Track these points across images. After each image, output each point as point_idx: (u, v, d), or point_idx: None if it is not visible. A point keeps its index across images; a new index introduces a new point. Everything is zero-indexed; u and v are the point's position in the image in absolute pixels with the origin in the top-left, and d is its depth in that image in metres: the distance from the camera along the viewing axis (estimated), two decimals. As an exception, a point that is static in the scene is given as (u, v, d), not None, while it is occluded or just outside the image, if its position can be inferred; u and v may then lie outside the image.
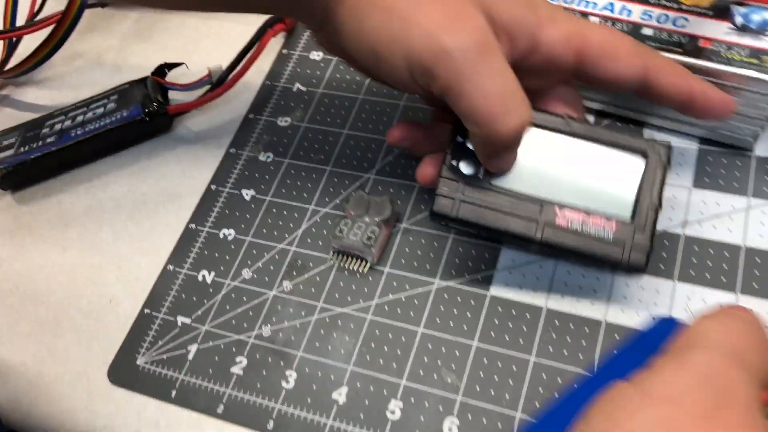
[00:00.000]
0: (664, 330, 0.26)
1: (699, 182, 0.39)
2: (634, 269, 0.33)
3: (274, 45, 0.50)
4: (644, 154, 0.34)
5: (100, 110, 0.46)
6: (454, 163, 0.34)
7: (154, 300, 0.41)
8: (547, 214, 0.33)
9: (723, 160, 0.39)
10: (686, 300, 0.35)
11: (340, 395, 0.36)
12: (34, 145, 0.46)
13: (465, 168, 0.34)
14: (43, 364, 0.40)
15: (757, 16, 0.37)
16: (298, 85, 0.48)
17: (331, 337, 0.38)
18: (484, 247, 0.38)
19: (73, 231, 0.45)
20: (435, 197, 0.34)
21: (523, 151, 0.34)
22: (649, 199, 0.33)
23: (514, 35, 0.32)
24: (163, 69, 0.48)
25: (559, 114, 0.35)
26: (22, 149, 0.46)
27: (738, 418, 0.22)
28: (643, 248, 0.32)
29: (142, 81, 0.47)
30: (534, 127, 0.34)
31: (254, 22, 0.52)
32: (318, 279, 0.40)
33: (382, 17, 0.32)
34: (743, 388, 0.22)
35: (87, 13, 0.50)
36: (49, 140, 0.46)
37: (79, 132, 0.45)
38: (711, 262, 0.36)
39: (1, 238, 0.46)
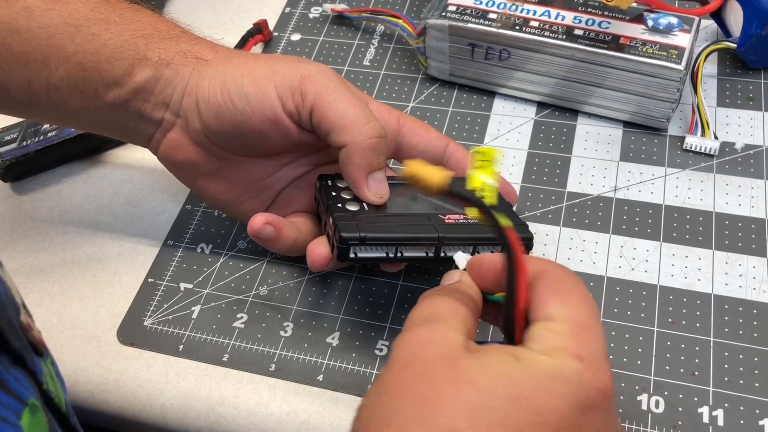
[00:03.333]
0: None
1: (625, 157, 0.47)
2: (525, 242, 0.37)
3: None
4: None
5: (99, 107, 0.51)
6: (339, 205, 0.37)
7: (156, 270, 0.45)
8: (435, 219, 0.37)
9: (643, 139, 0.47)
10: (620, 248, 0.43)
11: (334, 339, 0.41)
12: (36, 139, 0.50)
13: (351, 206, 0.37)
14: (54, 330, 0.43)
15: (664, 20, 0.46)
16: (277, 86, 0.54)
17: (322, 292, 0.43)
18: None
19: (73, 215, 0.49)
20: (337, 228, 0.35)
21: (390, 189, 0.38)
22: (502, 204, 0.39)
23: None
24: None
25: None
26: (24, 143, 0.50)
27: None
28: (524, 226, 0.38)
29: (137, 81, 0.52)
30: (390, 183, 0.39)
31: (231, 35, 0.58)
32: (307, 245, 0.45)
33: (245, 68, 0.38)
34: (442, 341, 0.27)
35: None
36: (50, 134, 0.50)
37: (65, 132, 0.49)
38: (638, 218, 0.44)
39: (2, 224, 0.49)
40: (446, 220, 0.37)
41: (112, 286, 0.45)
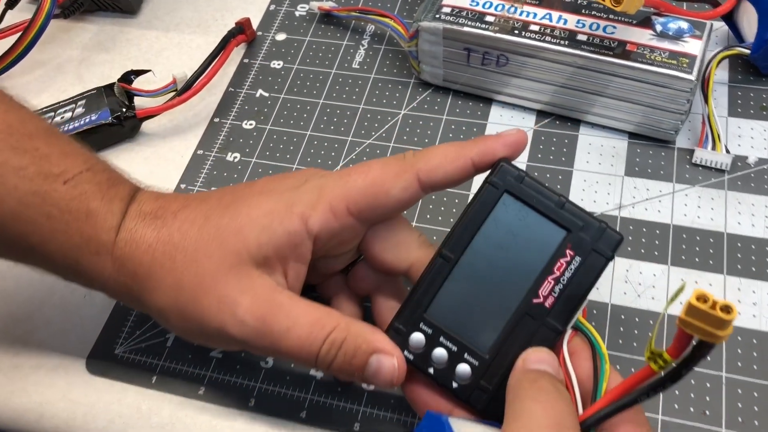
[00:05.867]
0: (431, 426, 0.29)
1: (630, 171, 0.44)
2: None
3: (235, 56, 0.53)
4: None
5: (68, 114, 0.47)
6: (443, 373, 0.32)
7: (129, 293, 0.42)
8: (534, 311, 0.31)
9: (650, 152, 0.44)
10: (625, 272, 0.40)
11: (318, 372, 0.38)
12: (1, 149, 0.46)
13: (457, 368, 0.31)
14: (19, 358, 0.40)
15: (673, 25, 0.43)
16: (260, 91, 0.51)
17: (305, 319, 0.40)
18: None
19: (42, 231, 0.46)
20: (468, 402, 0.31)
21: (458, 306, 0.32)
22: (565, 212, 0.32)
23: (294, 253, 0.32)
24: (129, 76, 0.50)
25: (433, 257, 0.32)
26: (-12, 153, 0.46)
27: None
28: (612, 239, 0.32)
29: (110, 87, 0.49)
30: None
31: (213, 34, 0.55)
32: (290, 267, 0.42)
33: (178, 317, 0.32)
34: None
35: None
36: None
37: (47, 135, 0.46)
38: (644, 239, 0.41)
39: (-34, 240, 0.46)
40: (545, 303, 0.31)
41: (82, 309, 0.42)
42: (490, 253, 0.32)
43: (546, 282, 0.31)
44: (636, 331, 0.38)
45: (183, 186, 0.47)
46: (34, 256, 0.34)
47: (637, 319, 0.38)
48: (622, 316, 0.38)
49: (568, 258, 0.31)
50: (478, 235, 0.32)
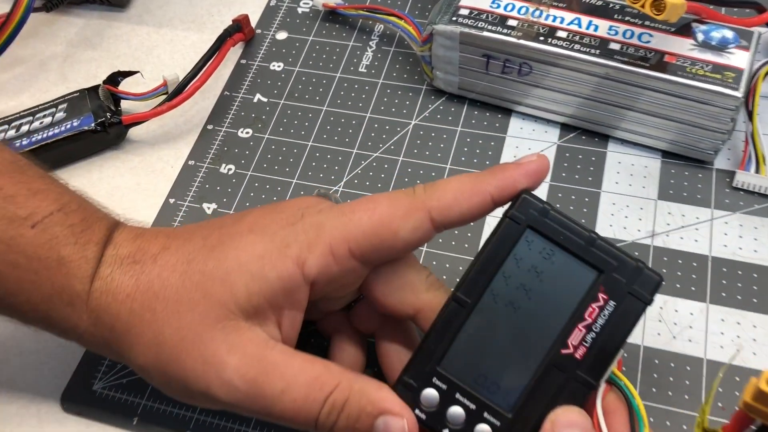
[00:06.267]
0: None
1: (664, 194, 0.40)
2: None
3: (231, 56, 0.49)
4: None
5: (48, 119, 0.43)
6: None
7: (110, 320, 0.38)
8: (563, 363, 0.27)
9: (685, 173, 0.40)
10: (659, 310, 0.36)
11: (316, 416, 0.34)
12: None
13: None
14: (-13, 393, 0.37)
15: (717, 34, 0.38)
16: (258, 95, 0.47)
17: (304, 355, 0.36)
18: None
19: (17, 248, 0.42)
20: None
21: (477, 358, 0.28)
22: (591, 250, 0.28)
23: (289, 301, 0.28)
24: (116, 77, 0.46)
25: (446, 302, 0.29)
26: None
27: None
28: (650, 281, 0.28)
29: (94, 89, 0.45)
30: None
31: (208, 31, 0.51)
32: (288, 295, 0.38)
33: (161, 375, 0.29)
34: None
35: (30, 17, 0.47)
36: (17, 144, 0.43)
37: (24, 143, 0.43)
38: (680, 272, 0.37)
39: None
40: (575, 354, 0.27)
41: (58, 338, 0.38)
42: (511, 297, 0.28)
43: (576, 330, 0.27)
44: (671, 378, 0.34)
45: (172, 201, 0.43)
46: (0, 307, 0.30)
47: (672, 364, 0.34)
48: (656, 361, 0.34)
49: (601, 302, 0.28)
50: (497, 277, 0.28)
